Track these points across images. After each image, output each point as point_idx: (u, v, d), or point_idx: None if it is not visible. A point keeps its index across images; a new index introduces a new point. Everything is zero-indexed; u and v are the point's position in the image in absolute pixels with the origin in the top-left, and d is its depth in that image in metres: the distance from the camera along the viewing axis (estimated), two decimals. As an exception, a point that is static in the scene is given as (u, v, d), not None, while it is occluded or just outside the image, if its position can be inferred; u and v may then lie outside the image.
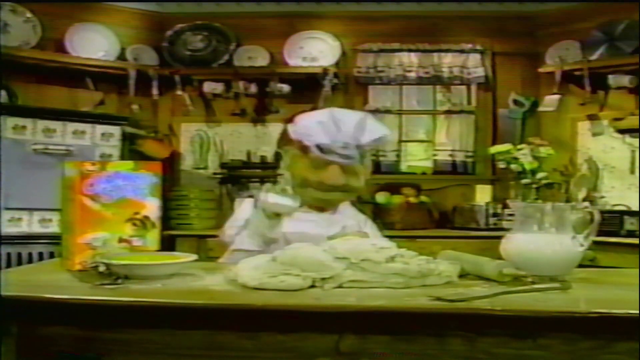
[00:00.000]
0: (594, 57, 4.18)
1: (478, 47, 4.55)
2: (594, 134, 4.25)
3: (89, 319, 1.21)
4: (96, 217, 1.51)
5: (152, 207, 1.58)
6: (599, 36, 4.20)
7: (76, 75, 4.23)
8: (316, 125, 1.94)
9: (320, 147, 1.92)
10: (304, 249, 1.38)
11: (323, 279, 1.30)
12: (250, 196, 2.02)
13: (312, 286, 1.29)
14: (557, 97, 4.23)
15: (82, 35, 4.30)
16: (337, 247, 1.36)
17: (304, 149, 1.96)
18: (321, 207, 2.03)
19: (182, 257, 1.49)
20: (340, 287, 1.30)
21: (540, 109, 4.33)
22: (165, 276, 1.40)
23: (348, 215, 2.09)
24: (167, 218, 4.07)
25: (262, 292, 1.26)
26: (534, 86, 4.51)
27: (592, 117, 4.26)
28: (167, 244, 3.67)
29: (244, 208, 1.99)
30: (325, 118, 1.95)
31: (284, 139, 2.09)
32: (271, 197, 1.79)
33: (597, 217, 1.43)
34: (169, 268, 1.43)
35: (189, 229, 4.17)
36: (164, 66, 4.48)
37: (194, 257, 1.50)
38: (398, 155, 4.68)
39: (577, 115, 4.33)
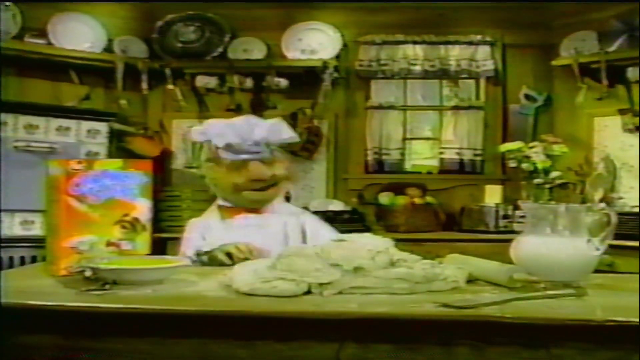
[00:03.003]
0: (612, 48, 4.17)
1: (487, 39, 4.55)
2: (627, 131, 4.21)
3: (74, 327, 1.21)
4: (82, 219, 1.51)
5: (142, 209, 1.58)
6: (618, 26, 4.18)
7: (60, 68, 4.23)
8: (227, 126, 2.12)
9: (230, 148, 2.09)
10: (300, 255, 1.38)
11: (321, 284, 1.30)
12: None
13: (307, 292, 1.30)
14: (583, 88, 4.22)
15: (66, 25, 4.29)
16: (331, 252, 1.36)
17: (216, 159, 2.14)
18: (257, 208, 2.17)
19: (174, 262, 1.50)
20: (340, 293, 1.30)
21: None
22: (156, 281, 1.40)
23: (285, 212, 2.24)
24: (157, 220, 4.07)
25: (258, 299, 1.26)
26: (547, 80, 4.51)
27: (623, 112, 4.20)
28: (158, 248, 3.67)
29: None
30: (237, 121, 2.15)
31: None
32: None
33: (614, 219, 1.44)
34: (159, 273, 1.44)
35: (181, 232, 4.15)
36: (154, 59, 4.48)
37: (186, 261, 1.51)
38: (402, 154, 4.69)
39: (593, 110, 4.33)
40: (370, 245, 1.39)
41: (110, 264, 1.42)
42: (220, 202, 2.24)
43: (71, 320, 1.21)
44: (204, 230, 2.20)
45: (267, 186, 2.15)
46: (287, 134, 2.20)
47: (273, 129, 2.16)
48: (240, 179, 2.11)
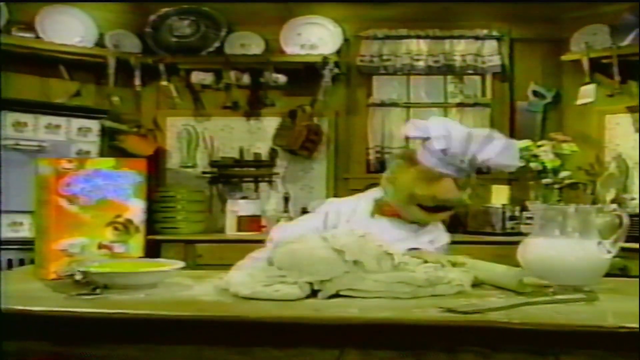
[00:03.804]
0: (625, 42, 4.16)
1: (494, 33, 4.55)
2: (638, 130, 4.20)
3: (64, 333, 1.21)
4: (73, 220, 1.51)
5: (135, 210, 1.58)
6: (631, 19, 4.18)
7: (49, 63, 4.22)
8: (458, 131, 1.94)
9: (440, 156, 1.93)
10: (301, 246, 1.38)
11: (322, 282, 1.30)
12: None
13: (310, 296, 1.30)
14: (592, 86, 4.21)
15: (55, 19, 4.29)
16: (338, 238, 1.36)
17: (413, 160, 1.98)
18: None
19: (168, 265, 1.50)
20: (339, 293, 1.30)
21: (579, 102, 4.28)
22: (149, 285, 1.40)
23: (435, 227, 2.09)
24: (151, 221, 4.07)
25: (255, 303, 1.26)
26: (556, 76, 4.51)
27: (633, 110, 4.19)
28: (152, 250, 3.67)
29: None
30: (475, 132, 1.99)
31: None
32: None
33: (626, 220, 1.43)
34: (153, 276, 1.44)
35: (176, 234, 4.17)
36: (147, 54, 4.48)
37: (181, 264, 1.51)
38: (406, 153, 4.68)
39: (604, 107, 4.32)
40: (380, 242, 1.39)
41: (101, 267, 1.42)
42: (379, 195, 2.09)
43: (60, 326, 1.21)
44: (350, 214, 2.05)
45: (442, 208, 2.01)
46: (513, 160, 2.02)
47: (504, 152, 1.97)
48: (423, 191, 1.95)
